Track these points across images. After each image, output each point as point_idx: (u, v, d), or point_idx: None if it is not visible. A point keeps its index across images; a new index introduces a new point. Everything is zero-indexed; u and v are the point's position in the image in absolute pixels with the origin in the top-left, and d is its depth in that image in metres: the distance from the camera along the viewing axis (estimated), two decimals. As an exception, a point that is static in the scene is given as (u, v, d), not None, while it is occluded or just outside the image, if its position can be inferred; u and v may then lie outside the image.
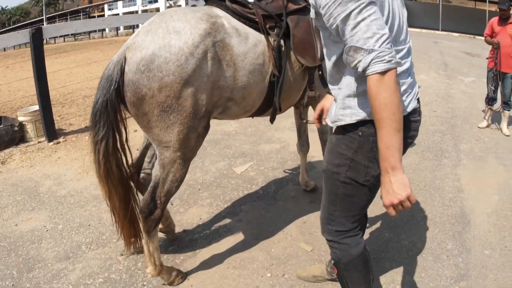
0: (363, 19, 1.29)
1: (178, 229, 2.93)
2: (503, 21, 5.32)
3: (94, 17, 51.21)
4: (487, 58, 5.62)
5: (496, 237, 2.89)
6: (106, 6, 42.22)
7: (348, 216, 1.70)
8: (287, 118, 5.51)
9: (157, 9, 38.79)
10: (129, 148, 2.33)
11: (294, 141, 4.65)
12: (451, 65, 10.64)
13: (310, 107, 2.93)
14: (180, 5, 39.51)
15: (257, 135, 4.86)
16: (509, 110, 5.31)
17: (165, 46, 2.02)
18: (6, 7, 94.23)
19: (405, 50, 1.55)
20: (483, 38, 5.72)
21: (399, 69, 1.46)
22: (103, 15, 46.99)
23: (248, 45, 2.30)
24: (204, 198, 3.39)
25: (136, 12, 41.78)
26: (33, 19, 69.42)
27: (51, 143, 4.80)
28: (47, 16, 52.42)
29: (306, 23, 2.59)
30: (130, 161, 2.40)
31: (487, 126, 5.40)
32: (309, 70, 2.61)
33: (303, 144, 3.37)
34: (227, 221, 3.06)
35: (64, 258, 2.67)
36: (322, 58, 2.52)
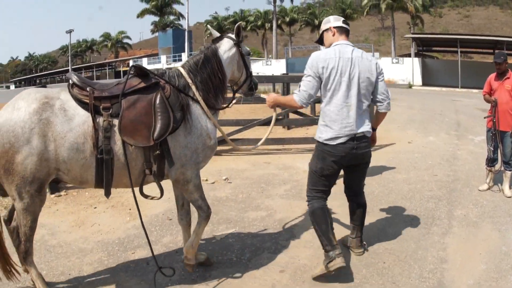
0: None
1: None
2: (500, 76, 5.19)
3: (119, 72, 53.50)
4: (485, 118, 5.52)
5: (472, 314, 2.72)
6: (131, 62, 44.85)
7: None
8: (280, 185, 5.56)
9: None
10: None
11: (282, 209, 4.69)
12: (463, 124, 10.53)
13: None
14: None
15: (246, 202, 4.90)
16: (510, 171, 5.11)
17: (7, 120, 2.55)
18: (34, 53, 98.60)
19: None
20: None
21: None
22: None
23: (72, 124, 2.63)
24: (178, 261, 3.42)
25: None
26: (60, 68, 73.53)
27: (53, 195, 5.10)
28: (73, 67, 55.37)
29: (145, 103, 2.77)
30: None
31: (488, 189, 5.23)
32: (144, 150, 2.74)
33: (182, 218, 3.33)
34: (194, 285, 3.08)
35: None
36: (160, 137, 2.71)
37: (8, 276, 2.89)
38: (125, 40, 68.48)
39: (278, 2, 50.50)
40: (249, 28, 59.48)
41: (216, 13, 77.80)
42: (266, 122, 7.78)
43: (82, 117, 2.66)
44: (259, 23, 59.01)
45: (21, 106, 2.60)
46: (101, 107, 2.68)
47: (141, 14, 53.52)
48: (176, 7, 54.27)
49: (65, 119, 2.62)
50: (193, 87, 2.99)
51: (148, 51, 73.33)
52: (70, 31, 55.43)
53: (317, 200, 3.26)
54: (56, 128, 2.60)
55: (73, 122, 2.64)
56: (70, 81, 2.81)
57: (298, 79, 10.89)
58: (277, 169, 6.51)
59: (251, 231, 4.07)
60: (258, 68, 48.97)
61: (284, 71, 40.10)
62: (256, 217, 4.44)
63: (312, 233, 3.67)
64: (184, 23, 46.74)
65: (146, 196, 2.90)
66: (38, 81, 72.29)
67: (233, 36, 3.25)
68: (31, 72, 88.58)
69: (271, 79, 12.54)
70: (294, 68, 41.06)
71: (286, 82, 10.00)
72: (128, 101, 2.74)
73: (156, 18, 54.51)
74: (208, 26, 4.32)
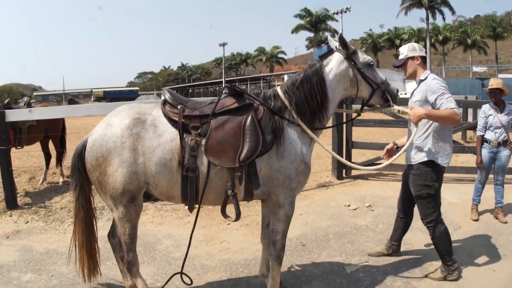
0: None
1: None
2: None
3: (273, 85, 54.75)
4: None
5: None
6: (286, 76, 46.10)
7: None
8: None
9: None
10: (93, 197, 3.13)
11: (420, 243, 4.43)
12: None
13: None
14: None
15: (385, 233, 4.71)
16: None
17: (102, 135, 2.74)
18: (187, 64, 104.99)
19: None
20: None
21: None
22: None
23: (161, 140, 2.70)
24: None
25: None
26: (214, 79, 75.64)
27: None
28: (227, 79, 56.09)
29: (234, 124, 2.73)
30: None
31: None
32: (229, 171, 2.70)
33: (265, 237, 3.28)
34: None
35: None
36: (246, 159, 2.66)
37: (89, 275, 3.09)
38: (280, 55, 67.71)
39: (430, 20, 47.63)
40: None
41: (370, 30, 76.60)
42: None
43: (171, 134, 2.71)
44: (413, 41, 56.40)
45: (114, 122, 2.76)
46: (190, 125, 2.71)
47: (296, 30, 54.98)
48: (331, 23, 54.75)
49: (155, 135, 2.70)
50: (290, 109, 2.89)
51: (303, 66, 73.58)
52: (223, 44, 59.02)
53: (441, 221, 3.58)
54: (146, 142, 2.69)
55: (162, 138, 2.70)
56: (163, 98, 2.89)
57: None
58: (422, 199, 6.09)
59: (384, 266, 3.91)
60: (413, 88, 45.69)
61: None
62: (393, 250, 4.24)
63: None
64: (338, 40, 46.96)
65: (226, 217, 2.87)
66: (190, 91, 74.79)
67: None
68: (184, 81, 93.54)
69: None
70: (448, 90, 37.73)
71: None
72: (218, 121, 2.73)
73: (311, 34, 55.22)
74: (329, 36, 3.22)
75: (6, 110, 5.90)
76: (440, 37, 53.73)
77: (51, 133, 7.24)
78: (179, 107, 2.77)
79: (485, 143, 5.17)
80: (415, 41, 55.18)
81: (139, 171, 2.70)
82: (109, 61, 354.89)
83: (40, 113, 6.11)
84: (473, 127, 6.72)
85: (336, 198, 6.20)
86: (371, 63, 3.08)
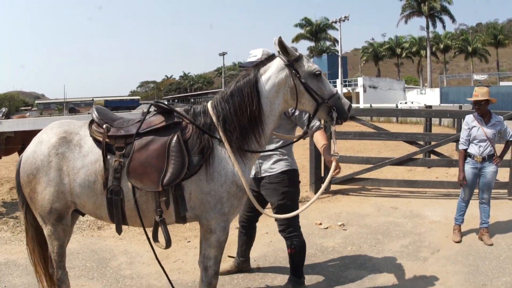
0: None
1: None
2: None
3: None
4: None
5: None
6: None
7: None
8: (399, 239, 4.72)
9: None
10: None
11: (388, 270, 3.93)
12: None
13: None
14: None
15: (353, 257, 4.24)
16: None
17: (32, 152, 2.69)
18: (188, 73, 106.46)
19: None
20: None
21: None
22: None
23: (85, 161, 2.59)
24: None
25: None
26: (215, 89, 76.52)
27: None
28: None
29: (158, 145, 2.54)
30: None
31: None
32: (154, 194, 2.52)
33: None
34: None
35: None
36: (170, 183, 2.46)
37: None
38: None
39: (430, 28, 47.51)
40: (404, 54, 57.26)
41: (372, 39, 76.51)
42: (399, 162, 6.97)
43: (95, 155, 2.60)
44: (414, 49, 56.27)
45: (43, 139, 2.71)
46: (114, 146, 2.58)
47: (296, 39, 55.28)
48: (331, 32, 54.70)
49: (79, 155, 2.62)
50: (218, 126, 2.61)
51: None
52: (223, 54, 59.73)
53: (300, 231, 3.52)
54: (70, 163, 2.61)
55: (87, 159, 2.60)
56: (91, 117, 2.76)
57: (437, 114, 9.83)
58: (402, 217, 5.62)
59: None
60: (413, 97, 46.41)
61: (438, 101, 36.85)
62: (355, 277, 3.77)
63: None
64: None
65: (156, 242, 2.67)
66: (192, 100, 75.60)
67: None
68: (186, 91, 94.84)
69: (408, 113, 11.21)
70: (448, 98, 37.34)
71: (424, 116, 8.78)
72: (141, 141, 2.56)
73: (312, 43, 55.48)
74: (274, 40, 2.47)
75: None
76: (441, 45, 53.54)
77: (29, 143, 7.09)
78: (104, 126, 2.63)
79: (468, 158, 4.64)
80: (416, 50, 55.61)
81: (66, 191, 2.63)
82: (111, 70, 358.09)
83: (9, 125, 6.23)
84: (457, 140, 6.12)
85: (309, 215, 5.69)
86: (317, 72, 2.66)
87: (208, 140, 2.58)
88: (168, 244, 2.61)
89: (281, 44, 2.59)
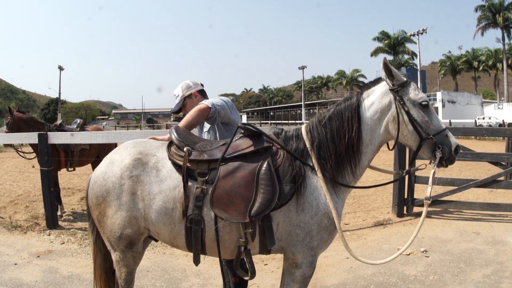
0: None
1: None
2: None
3: None
4: None
5: None
6: None
7: None
8: (481, 268, 4.74)
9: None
10: None
11: None
12: None
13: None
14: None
15: (435, 286, 4.33)
16: None
17: (103, 173, 2.56)
18: (268, 86, 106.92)
19: None
20: None
21: None
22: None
23: (163, 186, 2.42)
24: None
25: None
26: (295, 102, 75.95)
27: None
28: (306, 102, 56.28)
29: (246, 172, 2.33)
30: None
31: None
32: (240, 225, 2.32)
33: None
34: None
35: None
36: (258, 214, 2.26)
37: None
38: (360, 78, 65.62)
39: (506, 40, 44.39)
40: (481, 68, 54.00)
41: (449, 52, 73.51)
42: (483, 184, 6.84)
43: (175, 180, 2.41)
44: (490, 62, 52.71)
45: (116, 160, 2.55)
46: (196, 171, 2.39)
47: (375, 52, 54.69)
48: (409, 46, 53.86)
49: (156, 180, 2.44)
50: (311, 152, 2.42)
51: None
52: (303, 67, 58.74)
53: None
54: (146, 187, 2.43)
55: (164, 184, 2.42)
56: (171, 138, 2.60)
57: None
58: (484, 243, 5.53)
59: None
60: (490, 112, 43.80)
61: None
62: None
63: None
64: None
65: (238, 272, 2.52)
66: (272, 113, 75.54)
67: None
68: (265, 104, 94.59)
69: (493, 132, 9.70)
70: (527, 114, 34.32)
71: (508, 136, 8.26)
72: (228, 168, 2.35)
73: (390, 57, 54.25)
74: (386, 62, 2.42)
75: (49, 133, 6.10)
76: (518, 58, 49.39)
77: (104, 156, 7.61)
78: (185, 149, 2.45)
79: None
80: (492, 63, 51.80)
81: (139, 217, 2.47)
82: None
83: (81, 137, 6.16)
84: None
85: (392, 239, 5.80)
86: (424, 103, 2.39)
87: (300, 167, 2.40)
88: (253, 274, 2.45)
89: (386, 66, 2.42)
